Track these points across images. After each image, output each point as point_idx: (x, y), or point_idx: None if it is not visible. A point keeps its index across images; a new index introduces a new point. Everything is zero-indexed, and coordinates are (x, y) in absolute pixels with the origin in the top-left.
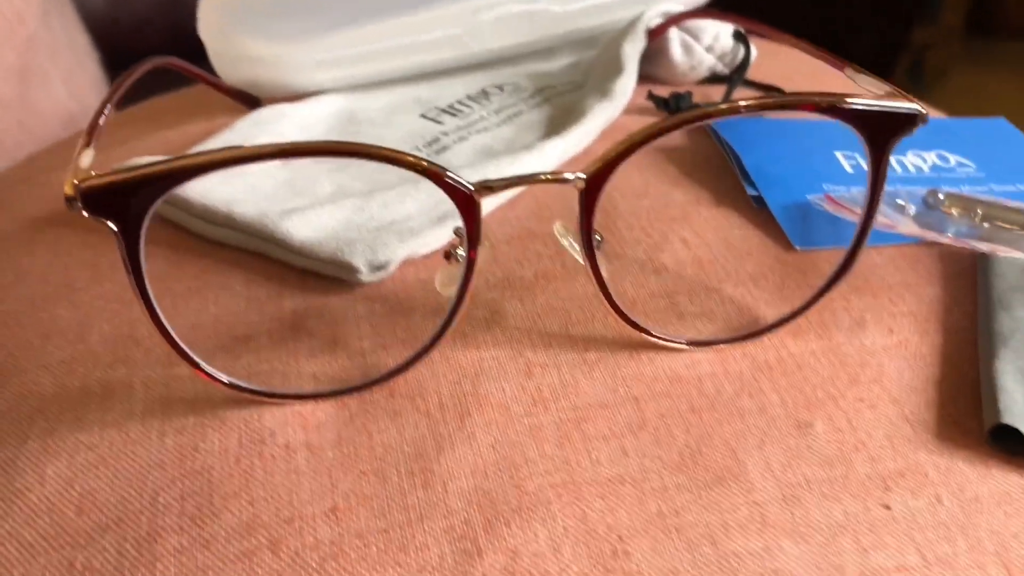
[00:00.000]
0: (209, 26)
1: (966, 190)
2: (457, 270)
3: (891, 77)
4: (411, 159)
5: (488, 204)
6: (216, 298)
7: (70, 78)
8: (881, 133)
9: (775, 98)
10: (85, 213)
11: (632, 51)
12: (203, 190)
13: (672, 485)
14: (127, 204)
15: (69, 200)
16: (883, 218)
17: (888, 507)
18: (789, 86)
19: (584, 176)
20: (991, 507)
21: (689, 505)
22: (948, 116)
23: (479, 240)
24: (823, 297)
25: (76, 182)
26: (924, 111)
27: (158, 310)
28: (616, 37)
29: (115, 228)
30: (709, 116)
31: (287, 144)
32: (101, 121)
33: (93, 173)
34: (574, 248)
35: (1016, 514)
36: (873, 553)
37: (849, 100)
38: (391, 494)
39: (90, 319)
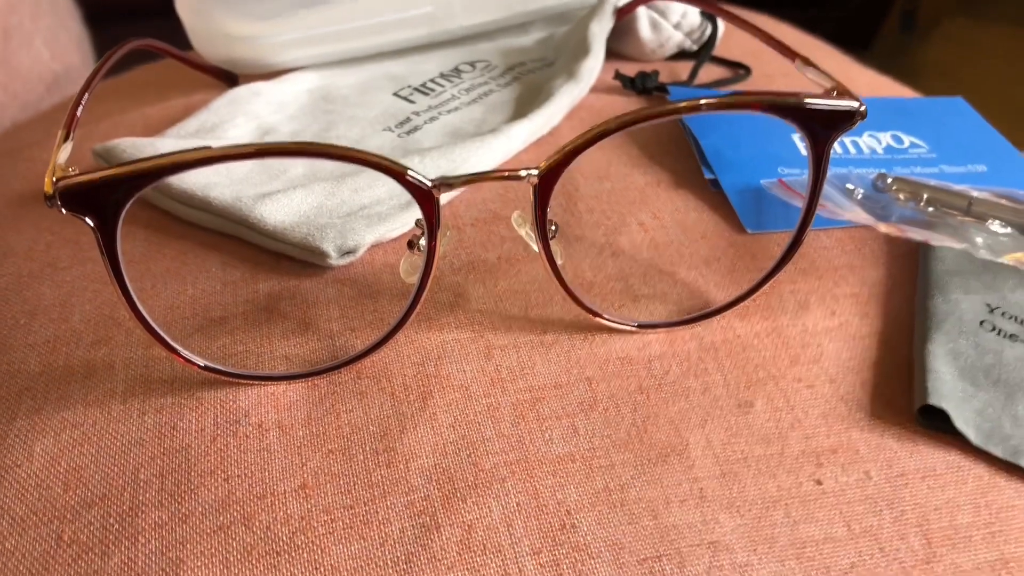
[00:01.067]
0: (186, 4)
1: (918, 171)
2: (419, 259)
3: (883, 25)
4: (375, 159)
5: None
6: (194, 280)
7: (52, 38)
8: (821, 129)
9: (717, 99)
10: (64, 211)
11: (599, 31)
12: (184, 173)
13: (618, 462)
14: (103, 202)
15: (48, 198)
16: (831, 205)
17: (820, 482)
18: (756, 62)
19: (536, 173)
20: (916, 482)
21: (633, 481)
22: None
23: (439, 233)
24: (768, 283)
25: (54, 180)
26: (862, 107)
27: (137, 302)
28: (585, 17)
29: (92, 224)
30: (643, 120)
31: (258, 145)
32: (79, 112)
33: (71, 170)
34: (530, 237)
35: (939, 488)
36: (803, 525)
37: (788, 100)
38: (356, 472)
39: (73, 298)
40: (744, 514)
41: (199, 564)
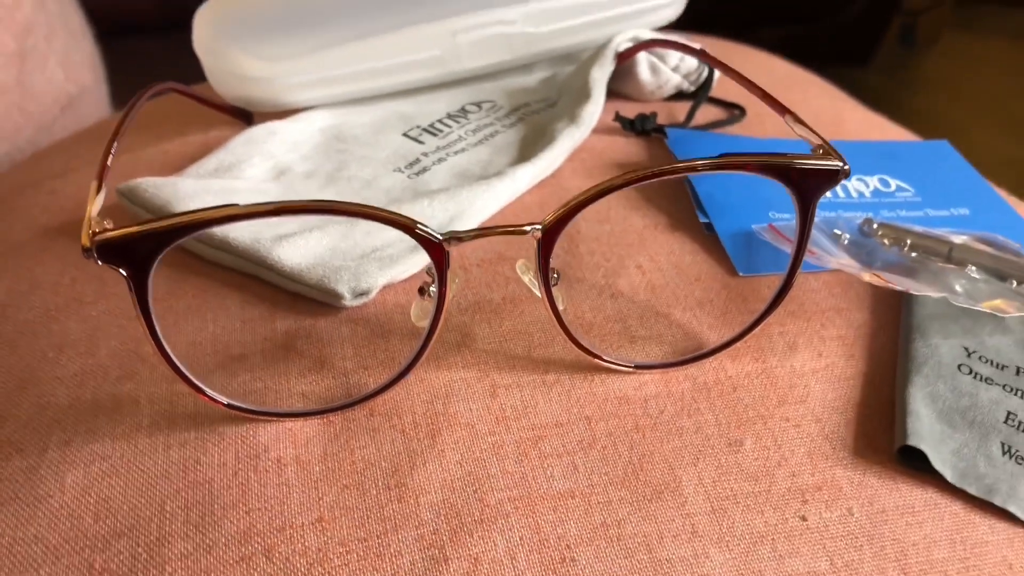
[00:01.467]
0: (202, 43)
1: (903, 215)
2: (430, 305)
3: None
4: (387, 215)
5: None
6: (215, 317)
7: (66, 59)
8: (808, 188)
9: (713, 161)
10: (100, 263)
11: (600, 76)
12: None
13: (616, 499)
14: (136, 254)
15: (85, 250)
16: (819, 251)
17: (805, 518)
18: (751, 103)
19: (540, 228)
20: (895, 518)
21: (630, 517)
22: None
23: (448, 282)
24: (758, 326)
25: (91, 233)
26: (846, 167)
27: (165, 345)
28: (587, 61)
29: (126, 274)
30: (644, 179)
31: (280, 204)
32: (109, 161)
33: (107, 223)
34: (534, 285)
35: (917, 524)
36: (788, 560)
37: (779, 162)
38: (370, 506)
39: (99, 333)
40: (733, 548)
41: None
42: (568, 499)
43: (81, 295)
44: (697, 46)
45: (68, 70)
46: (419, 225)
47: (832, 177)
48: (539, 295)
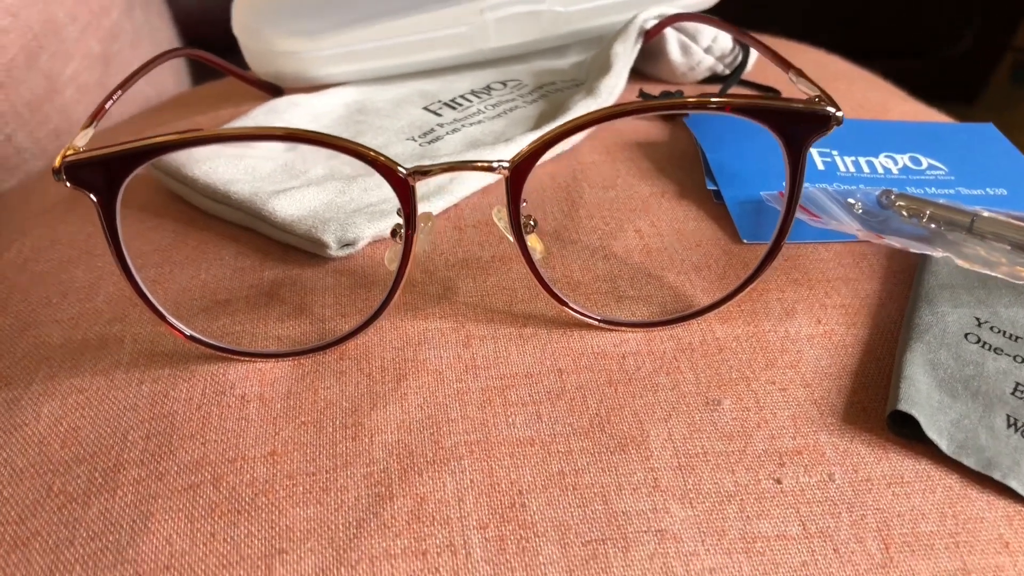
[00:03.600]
0: (239, 23)
1: (932, 192)
2: (400, 247)
3: (991, 78)
4: (350, 145)
5: (462, 191)
6: (208, 266)
7: None
8: (796, 134)
9: (689, 99)
10: (68, 184)
11: (622, 50)
12: (207, 170)
13: (577, 449)
14: (102, 177)
15: (55, 172)
16: (825, 217)
17: (779, 481)
18: (790, 89)
19: (507, 165)
20: (881, 488)
21: (588, 467)
22: None
23: (415, 219)
24: (746, 288)
25: (63, 155)
26: (838, 113)
27: (131, 265)
28: (611, 37)
29: (93, 198)
30: (618, 115)
31: (236, 129)
32: (108, 105)
33: (80, 149)
34: (508, 229)
35: (904, 496)
36: (756, 521)
37: (759, 103)
38: (323, 443)
39: (100, 281)
40: (696, 506)
41: (167, 518)
42: (527, 446)
43: (92, 248)
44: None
45: (150, 76)
46: (381, 156)
47: (822, 122)
48: (511, 238)
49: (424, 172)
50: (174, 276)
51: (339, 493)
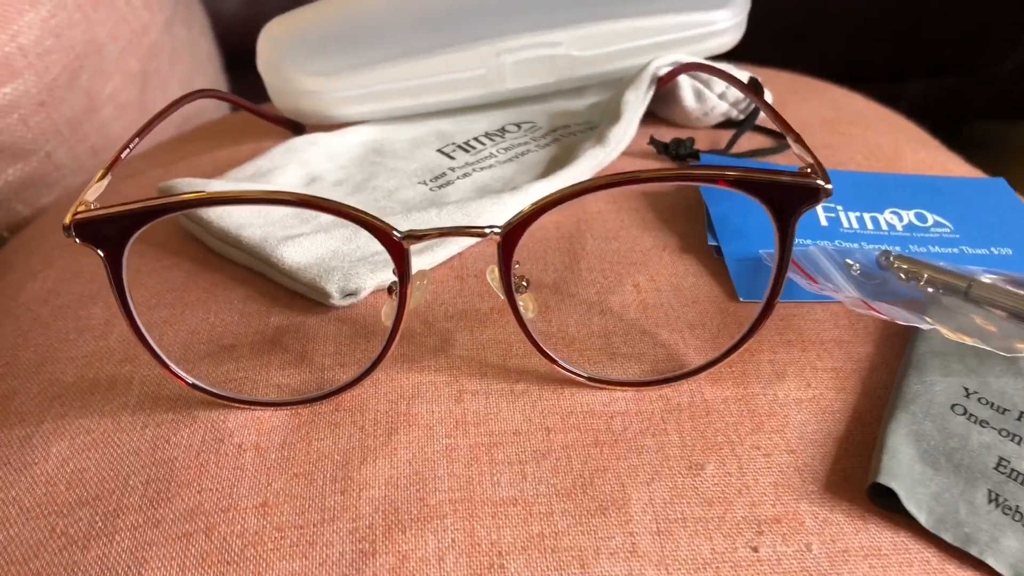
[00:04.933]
0: (263, 61)
1: (935, 251)
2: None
3: None
4: (347, 210)
5: (457, 248)
6: (217, 309)
7: (188, 82)
8: (784, 206)
9: (678, 171)
10: (77, 240)
11: (633, 98)
12: (221, 212)
13: (558, 510)
14: (109, 236)
15: (65, 229)
16: (822, 280)
17: (756, 549)
18: (807, 133)
19: (499, 231)
20: (858, 559)
21: (569, 529)
22: None
23: (410, 280)
24: (735, 352)
25: (74, 213)
26: (827, 186)
27: (139, 324)
28: (623, 85)
29: (101, 254)
30: (608, 185)
31: (236, 192)
32: (124, 155)
33: (92, 206)
34: (500, 291)
35: (881, 568)
36: None
37: (748, 176)
38: (313, 496)
39: (115, 319)
40: (672, 573)
41: (160, 565)
42: (509, 506)
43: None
44: (746, 74)
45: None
46: (375, 220)
47: (811, 195)
48: (503, 298)
49: (418, 237)
50: (185, 318)
51: (324, 548)
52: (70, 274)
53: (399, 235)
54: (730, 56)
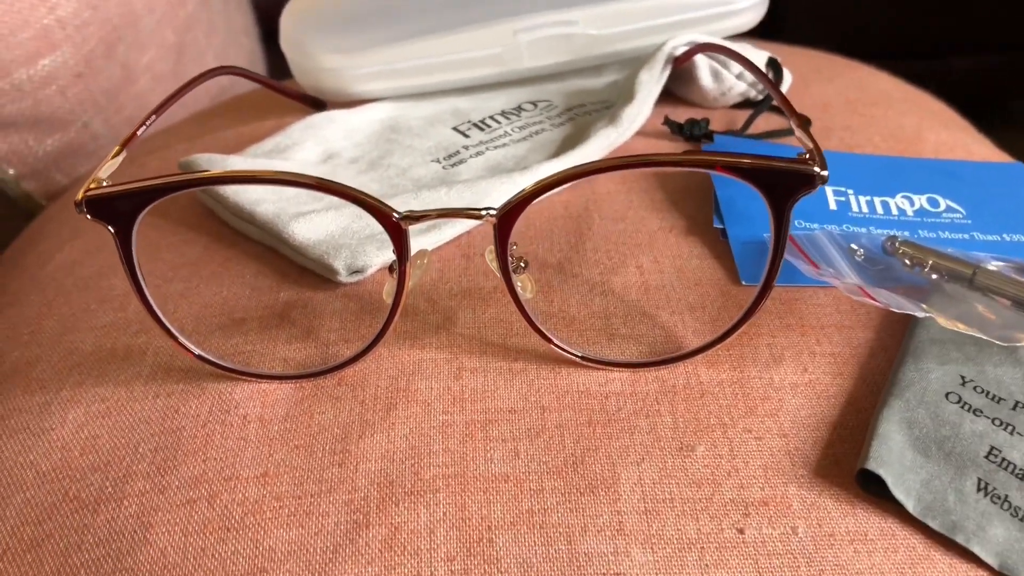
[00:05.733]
0: (285, 38)
1: (946, 236)
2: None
3: None
4: (347, 191)
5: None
6: (231, 284)
7: (223, 53)
8: (778, 192)
9: (674, 156)
10: (88, 216)
11: (647, 79)
12: (236, 188)
13: (548, 488)
14: (118, 212)
15: (77, 205)
16: (823, 265)
17: (742, 531)
18: (827, 114)
19: (495, 213)
20: (844, 544)
21: (558, 506)
22: None
23: (407, 259)
24: (732, 335)
25: (86, 189)
26: (823, 172)
27: (149, 296)
28: (638, 64)
29: (111, 230)
30: (602, 169)
31: (242, 171)
32: (140, 132)
33: (104, 183)
34: (498, 271)
35: (866, 553)
36: (714, 570)
37: (743, 163)
38: (312, 467)
39: (126, 278)
40: (657, 551)
41: (164, 530)
42: (501, 483)
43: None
44: (765, 54)
45: (223, 63)
46: (375, 202)
47: (807, 181)
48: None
49: (416, 218)
50: (199, 291)
51: (321, 518)
52: (94, 246)
53: (397, 216)
54: (769, 30)
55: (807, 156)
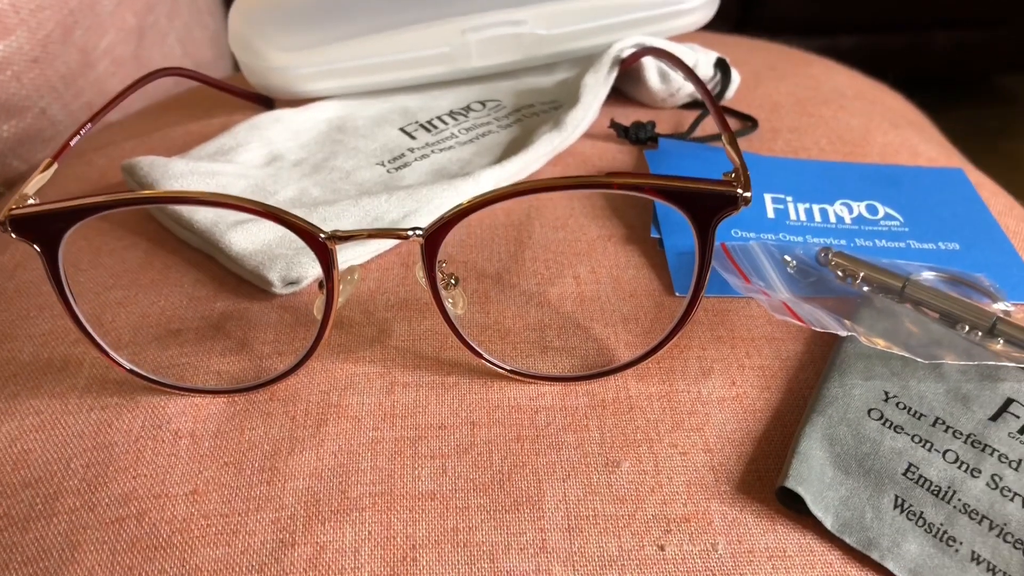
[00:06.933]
0: (233, 36)
1: (882, 245)
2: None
3: None
4: (272, 211)
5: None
6: (169, 293)
7: (187, 36)
8: (703, 212)
9: (602, 180)
10: (13, 235)
11: (593, 82)
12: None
13: (474, 505)
14: (44, 232)
15: (0, 224)
16: (754, 278)
17: (662, 548)
18: (775, 115)
19: (422, 234)
20: (762, 560)
21: (482, 524)
22: None
23: (334, 281)
24: (662, 348)
25: (10, 208)
26: (745, 194)
27: (78, 312)
28: (583, 67)
29: (37, 249)
30: (514, 195)
31: (168, 193)
32: (73, 142)
33: (30, 201)
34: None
35: (784, 569)
36: None
37: (669, 185)
38: (240, 485)
39: (77, 299)
40: (579, 569)
41: (92, 549)
42: (427, 500)
43: (78, 262)
44: (714, 55)
45: (187, 46)
46: (300, 222)
47: (730, 203)
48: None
49: (342, 238)
50: (138, 300)
51: (247, 536)
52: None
53: (324, 236)
54: (752, 5)
55: (732, 176)
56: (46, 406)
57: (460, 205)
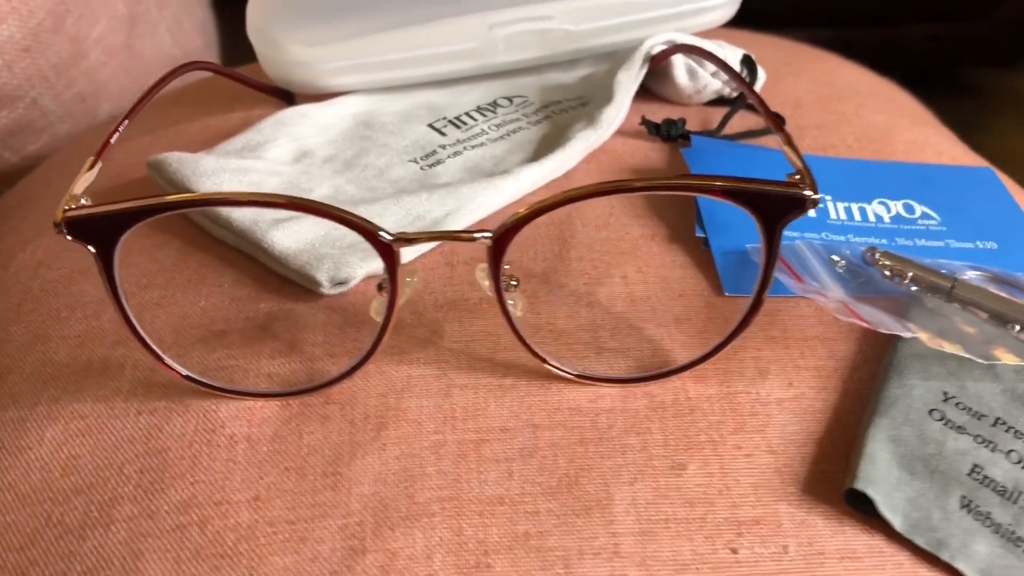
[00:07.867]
0: (252, 29)
1: (922, 244)
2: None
3: None
4: (340, 214)
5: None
6: (208, 293)
7: (176, 25)
8: (771, 215)
9: (669, 182)
10: (68, 238)
11: (625, 79)
12: (211, 186)
13: (544, 510)
14: (101, 233)
15: (56, 225)
16: (807, 278)
17: (735, 551)
18: (799, 112)
19: (490, 236)
20: (833, 562)
21: (554, 529)
22: None
23: (397, 284)
24: (720, 351)
25: (64, 209)
26: (814, 196)
27: (132, 319)
28: (616, 63)
29: (93, 251)
30: (589, 195)
31: (236, 194)
32: (113, 139)
33: (82, 202)
34: (491, 290)
35: (856, 571)
36: None
37: (736, 186)
38: (304, 491)
39: (107, 299)
40: (654, 573)
41: (155, 558)
42: (496, 505)
43: None
44: (740, 52)
45: (177, 35)
46: (369, 225)
47: (798, 205)
48: (493, 297)
49: (408, 240)
50: (176, 300)
51: (316, 544)
52: (60, 247)
53: (388, 238)
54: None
55: (798, 178)
56: (90, 410)
57: (532, 207)
